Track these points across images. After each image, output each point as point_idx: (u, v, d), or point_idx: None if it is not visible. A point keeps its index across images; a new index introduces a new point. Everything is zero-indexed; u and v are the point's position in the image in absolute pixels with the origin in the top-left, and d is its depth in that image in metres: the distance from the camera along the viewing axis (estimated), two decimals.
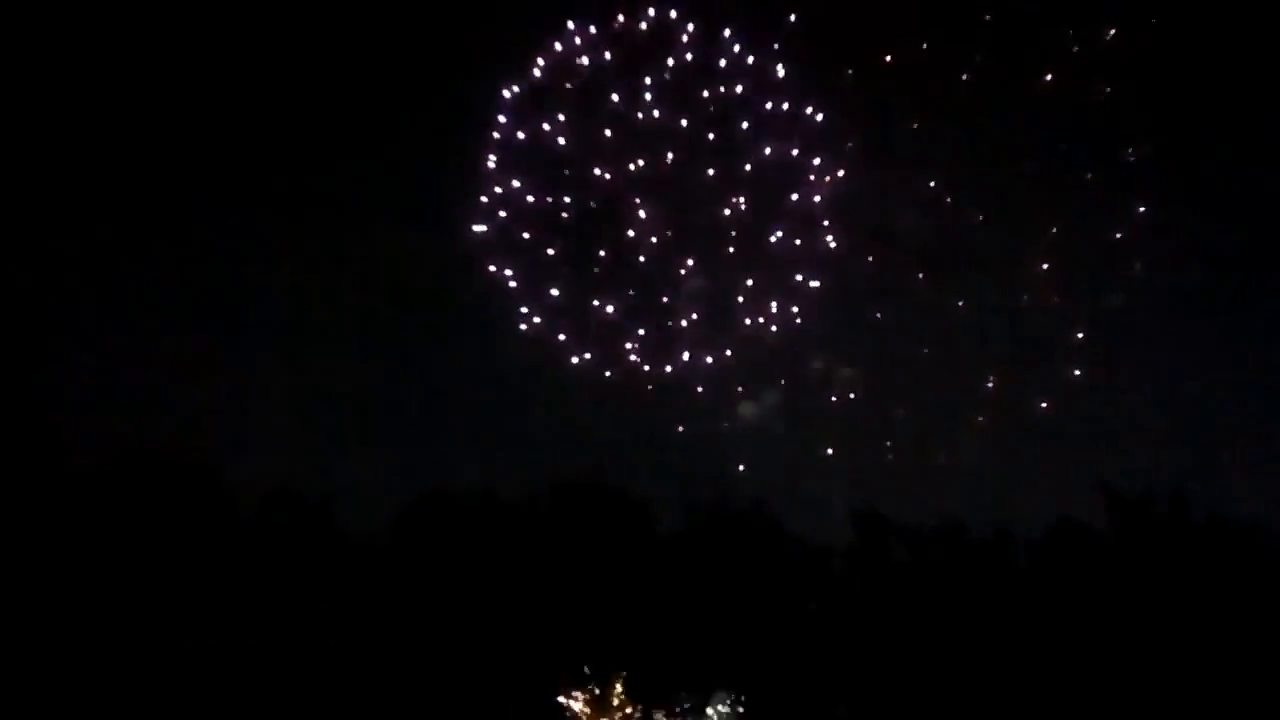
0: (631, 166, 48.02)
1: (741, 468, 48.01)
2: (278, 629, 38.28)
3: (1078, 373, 46.28)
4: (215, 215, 47.06)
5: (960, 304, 47.64)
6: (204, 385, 45.46)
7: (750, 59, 47.00)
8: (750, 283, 48.23)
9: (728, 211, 48.20)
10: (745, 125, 47.06)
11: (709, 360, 48.34)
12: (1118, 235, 46.43)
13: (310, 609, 39.00)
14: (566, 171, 47.90)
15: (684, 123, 47.33)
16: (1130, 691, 35.34)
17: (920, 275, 47.81)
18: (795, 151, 47.43)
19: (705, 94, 47.17)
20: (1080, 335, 46.79)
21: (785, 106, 47.17)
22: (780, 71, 46.96)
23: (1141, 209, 46.21)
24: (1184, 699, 34.96)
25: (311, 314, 48.70)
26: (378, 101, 48.27)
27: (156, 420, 43.14)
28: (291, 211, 47.13)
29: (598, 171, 47.82)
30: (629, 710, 39.02)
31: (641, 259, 48.49)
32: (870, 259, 47.62)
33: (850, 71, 46.96)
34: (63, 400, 42.01)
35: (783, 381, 49.33)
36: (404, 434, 48.48)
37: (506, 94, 47.98)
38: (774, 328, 48.09)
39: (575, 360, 48.10)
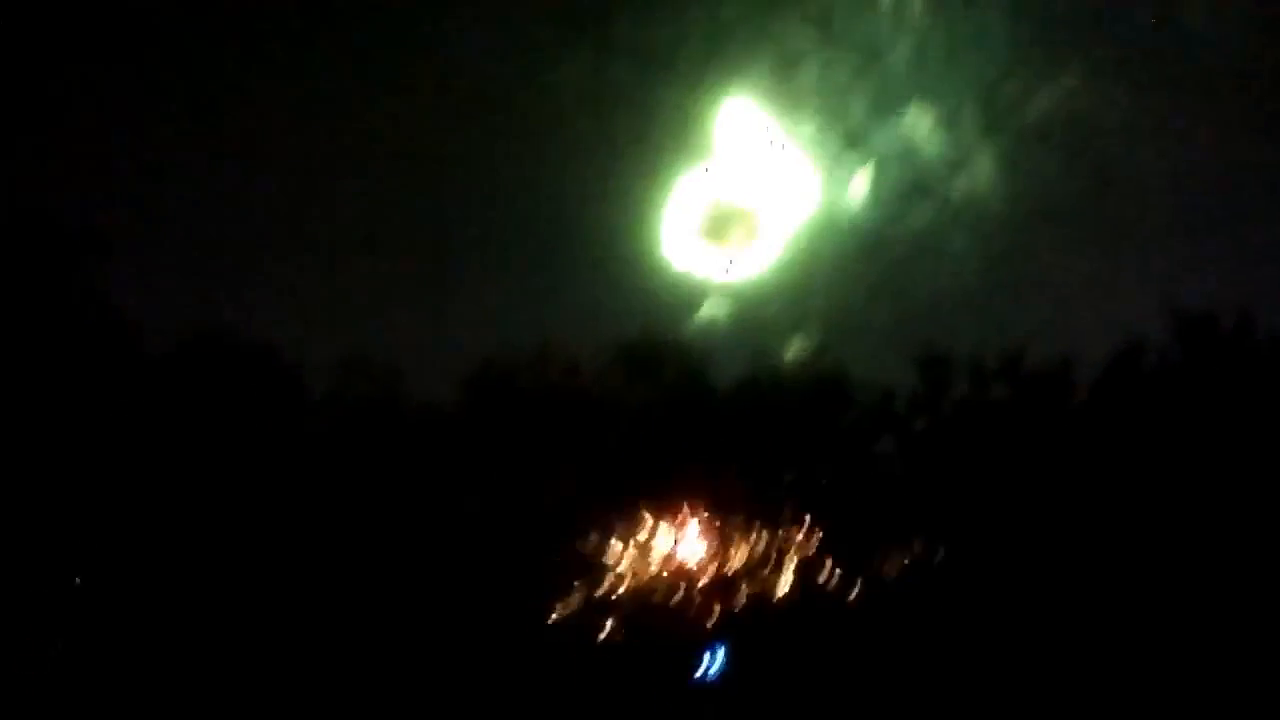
0: None
1: None
2: (351, 504, 39.39)
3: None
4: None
5: None
6: (262, 266, 45.60)
7: None
8: None
9: None
10: None
11: None
12: None
13: (385, 482, 40.05)
14: None
15: None
16: (1195, 515, 35.94)
17: None
18: None
19: None
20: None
21: None
22: None
23: None
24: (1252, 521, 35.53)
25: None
26: None
27: (220, 302, 43.47)
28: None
29: None
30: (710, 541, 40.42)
31: None
32: None
33: None
34: (126, 285, 41.98)
35: None
36: (460, 295, 48.16)
37: None
38: None
39: None
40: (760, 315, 48.63)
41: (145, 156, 44.19)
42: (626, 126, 45.62)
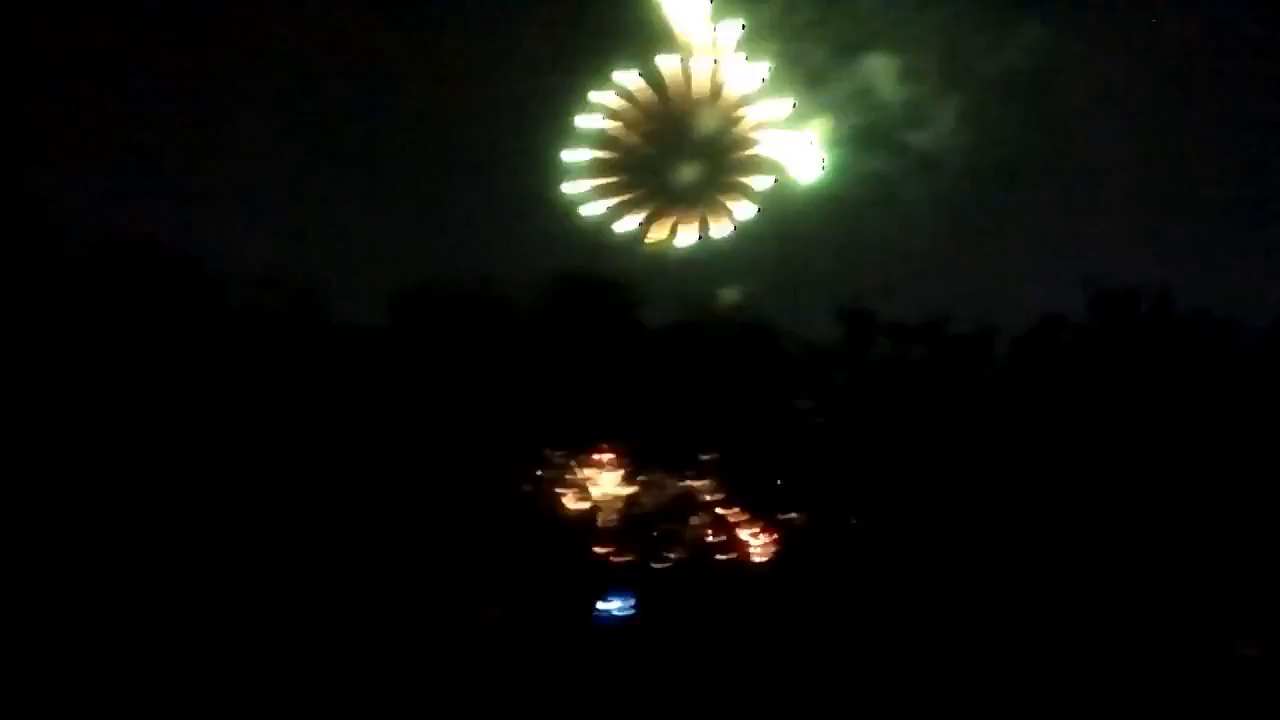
0: None
1: None
2: (272, 419, 39.18)
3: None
4: None
5: None
6: (191, 171, 44.93)
7: None
8: None
9: None
10: None
11: None
12: None
13: (305, 399, 39.85)
14: None
15: None
16: (1112, 481, 36.06)
17: None
18: None
19: None
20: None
21: None
22: None
23: None
24: (1164, 492, 35.68)
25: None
26: None
27: (146, 208, 42.79)
28: None
29: None
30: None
31: None
32: None
33: None
34: (51, 190, 41.32)
35: None
36: (394, 216, 47.30)
37: None
38: None
39: None
40: (701, 258, 48.25)
41: (75, 64, 43.21)
42: (578, 52, 44.81)
